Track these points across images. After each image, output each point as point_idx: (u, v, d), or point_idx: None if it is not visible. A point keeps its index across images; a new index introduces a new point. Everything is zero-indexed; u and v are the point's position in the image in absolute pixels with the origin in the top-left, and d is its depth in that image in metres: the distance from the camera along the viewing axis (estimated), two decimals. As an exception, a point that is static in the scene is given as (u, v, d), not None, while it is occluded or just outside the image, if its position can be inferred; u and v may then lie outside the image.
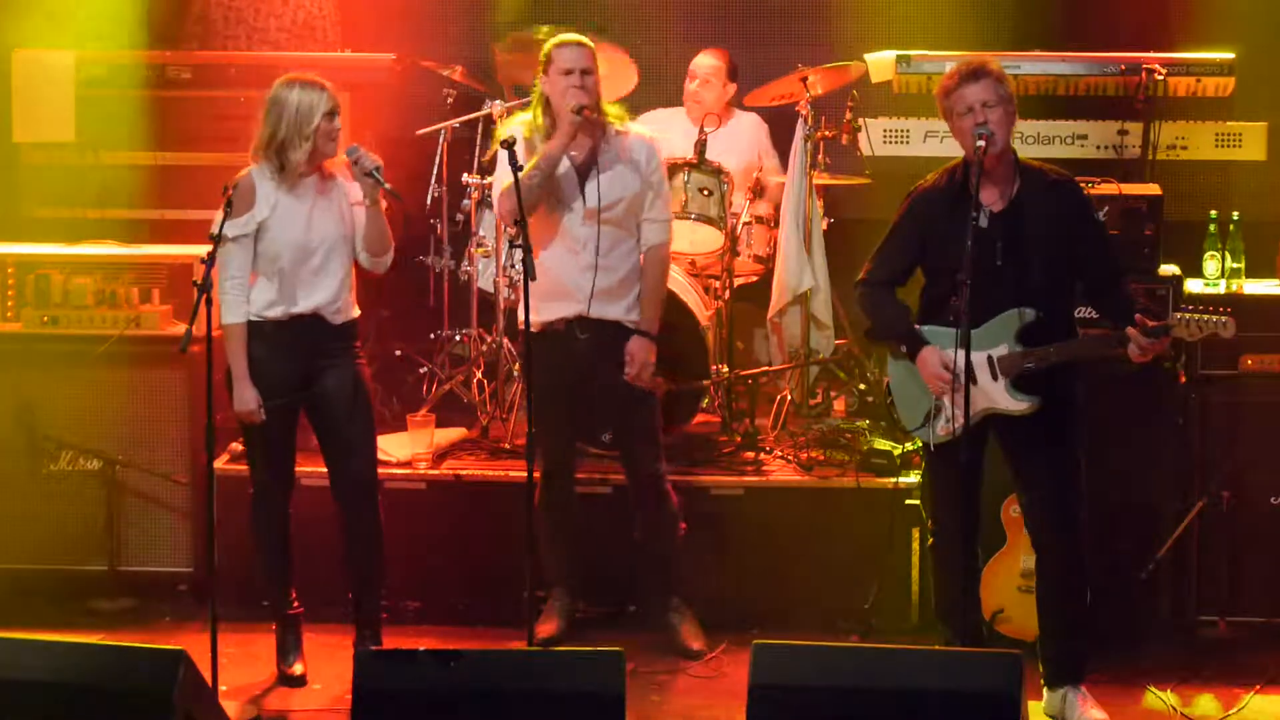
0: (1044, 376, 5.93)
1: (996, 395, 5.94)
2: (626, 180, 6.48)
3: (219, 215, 6.20)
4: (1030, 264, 5.89)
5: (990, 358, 5.92)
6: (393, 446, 7.21)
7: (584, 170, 6.47)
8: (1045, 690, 6.18)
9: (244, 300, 6.27)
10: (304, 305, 6.30)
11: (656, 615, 6.78)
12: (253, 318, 6.29)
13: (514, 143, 6.11)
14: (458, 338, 8.11)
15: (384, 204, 6.30)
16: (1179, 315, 5.82)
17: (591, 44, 6.48)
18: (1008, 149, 5.96)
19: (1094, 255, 5.97)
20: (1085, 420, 6.07)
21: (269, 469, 6.46)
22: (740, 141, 8.18)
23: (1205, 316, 5.78)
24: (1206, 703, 6.31)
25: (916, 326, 6.04)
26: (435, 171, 8.11)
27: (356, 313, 6.46)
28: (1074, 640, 6.15)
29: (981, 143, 5.79)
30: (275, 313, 6.29)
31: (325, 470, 6.58)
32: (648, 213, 6.55)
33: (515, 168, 6.07)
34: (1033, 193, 5.95)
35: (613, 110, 6.55)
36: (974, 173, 5.77)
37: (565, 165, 6.45)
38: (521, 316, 6.09)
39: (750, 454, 7.38)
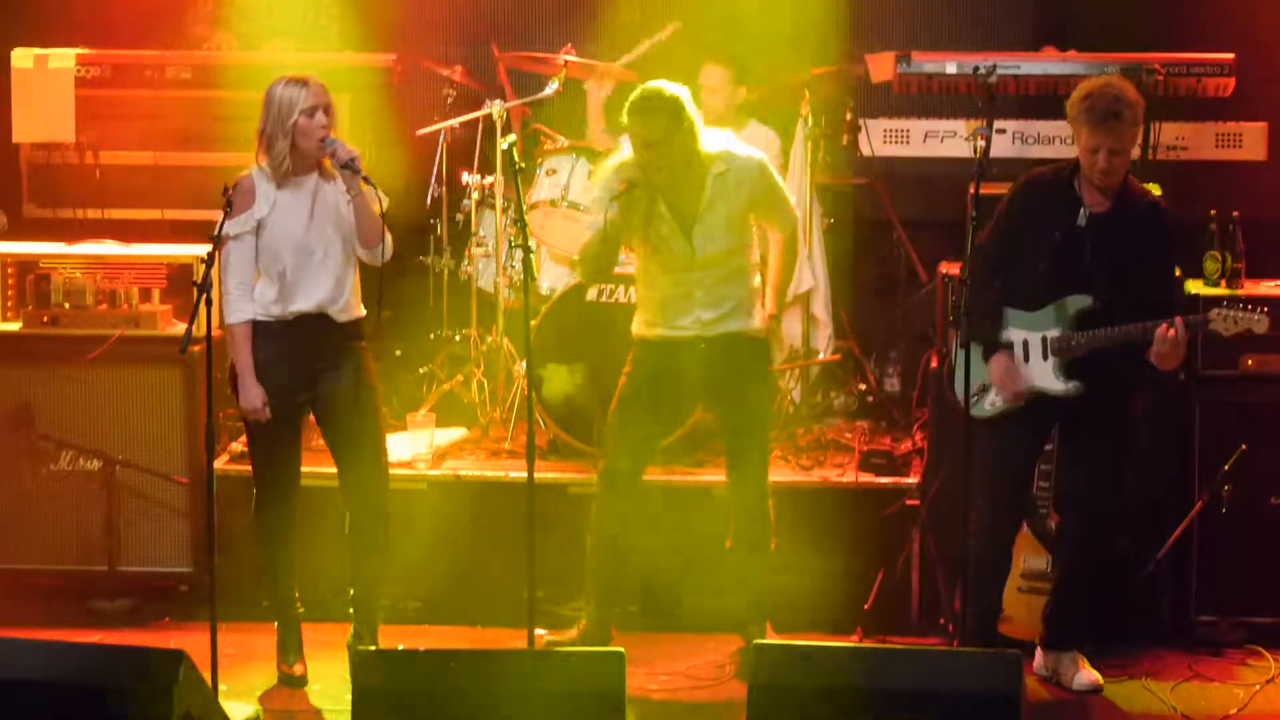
0: (1098, 364, 6.14)
1: (1044, 375, 6.21)
2: (732, 217, 6.35)
3: (225, 219, 6.21)
4: (1111, 265, 6.15)
5: (1044, 338, 6.19)
6: (393, 446, 7.20)
7: (685, 216, 6.35)
8: (1040, 651, 6.40)
9: (248, 300, 6.28)
10: (307, 303, 6.30)
11: (736, 621, 6.70)
12: (260, 318, 6.29)
13: (514, 144, 6.18)
14: (457, 338, 8.11)
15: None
16: (1216, 310, 6.09)
17: (662, 103, 6.23)
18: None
19: (1151, 280, 6.19)
20: (1135, 414, 6.32)
21: (275, 470, 6.44)
22: None
23: (1242, 313, 6.08)
24: (1206, 703, 6.31)
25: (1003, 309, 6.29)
26: (435, 171, 8.11)
27: (362, 311, 6.46)
28: (1079, 608, 6.38)
29: (982, 142, 6.09)
30: (280, 311, 6.28)
31: (324, 470, 6.58)
32: (766, 218, 6.47)
33: (515, 168, 6.10)
34: (1130, 205, 6.21)
35: (712, 153, 6.35)
36: (975, 174, 6.04)
37: (665, 213, 6.35)
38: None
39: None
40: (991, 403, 6.25)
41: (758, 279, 6.58)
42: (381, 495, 6.47)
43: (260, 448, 6.44)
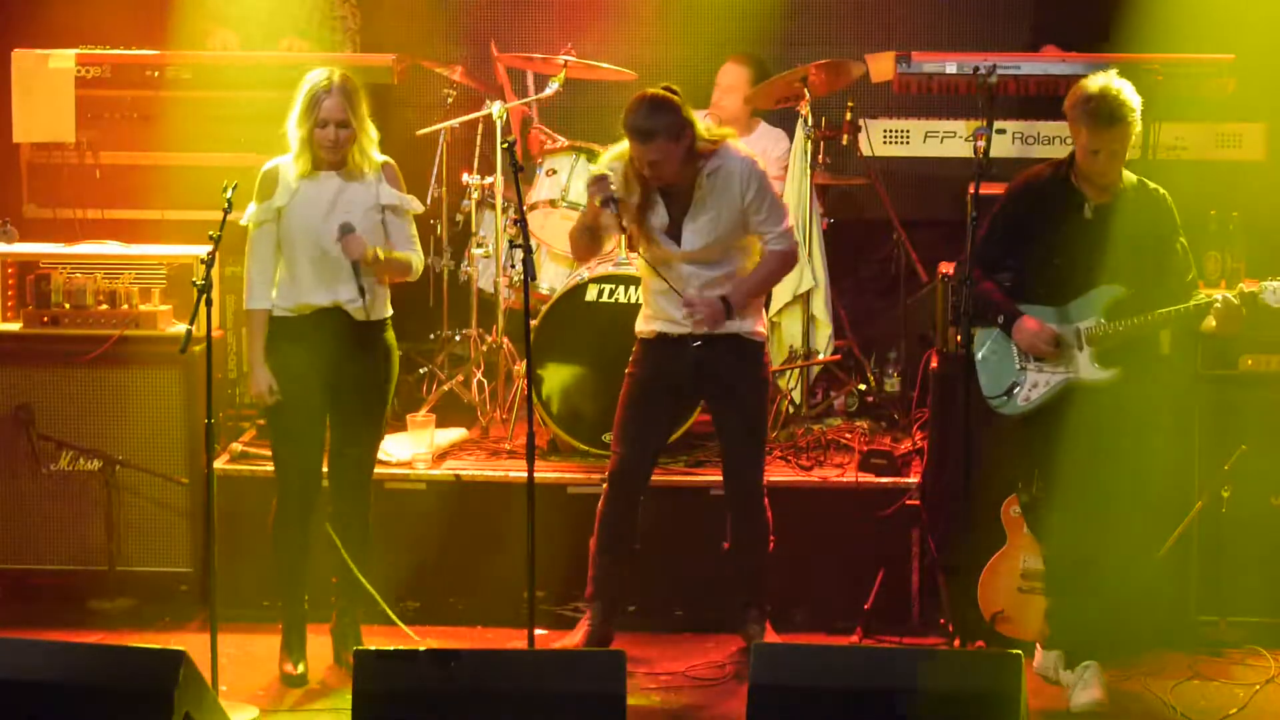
0: (1127, 353, 6.18)
1: (1080, 365, 6.21)
2: (721, 217, 6.38)
3: (251, 208, 6.30)
4: (1126, 252, 6.18)
5: (1078, 329, 6.20)
6: (393, 446, 7.21)
7: (678, 213, 6.39)
8: (1039, 651, 6.38)
9: (267, 288, 6.30)
10: (324, 298, 6.30)
11: (735, 621, 6.72)
12: (279, 313, 6.31)
13: (514, 142, 6.16)
14: (457, 338, 8.11)
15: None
16: (1267, 284, 6.10)
17: (659, 121, 6.26)
18: None
19: (1170, 262, 6.23)
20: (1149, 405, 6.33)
21: (294, 468, 6.42)
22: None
23: None
24: (1206, 703, 6.31)
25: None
26: (435, 171, 8.11)
27: (387, 311, 6.43)
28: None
29: (982, 143, 6.16)
30: (298, 303, 6.29)
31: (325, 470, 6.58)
32: (761, 229, 6.43)
33: (516, 168, 6.09)
34: (1133, 194, 6.25)
35: (709, 151, 6.38)
36: (975, 174, 6.11)
37: (660, 209, 6.39)
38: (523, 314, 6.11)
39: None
40: (1025, 398, 6.26)
41: None
42: (364, 500, 6.49)
43: (280, 446, 6.44)
